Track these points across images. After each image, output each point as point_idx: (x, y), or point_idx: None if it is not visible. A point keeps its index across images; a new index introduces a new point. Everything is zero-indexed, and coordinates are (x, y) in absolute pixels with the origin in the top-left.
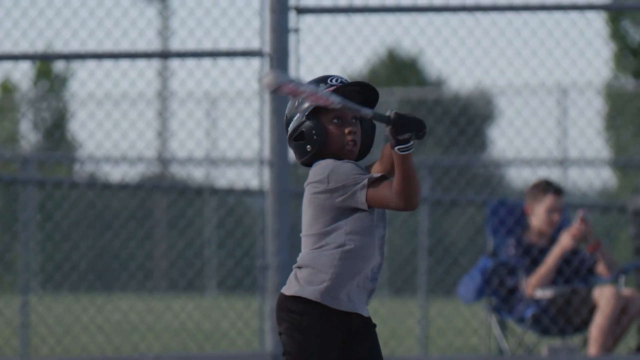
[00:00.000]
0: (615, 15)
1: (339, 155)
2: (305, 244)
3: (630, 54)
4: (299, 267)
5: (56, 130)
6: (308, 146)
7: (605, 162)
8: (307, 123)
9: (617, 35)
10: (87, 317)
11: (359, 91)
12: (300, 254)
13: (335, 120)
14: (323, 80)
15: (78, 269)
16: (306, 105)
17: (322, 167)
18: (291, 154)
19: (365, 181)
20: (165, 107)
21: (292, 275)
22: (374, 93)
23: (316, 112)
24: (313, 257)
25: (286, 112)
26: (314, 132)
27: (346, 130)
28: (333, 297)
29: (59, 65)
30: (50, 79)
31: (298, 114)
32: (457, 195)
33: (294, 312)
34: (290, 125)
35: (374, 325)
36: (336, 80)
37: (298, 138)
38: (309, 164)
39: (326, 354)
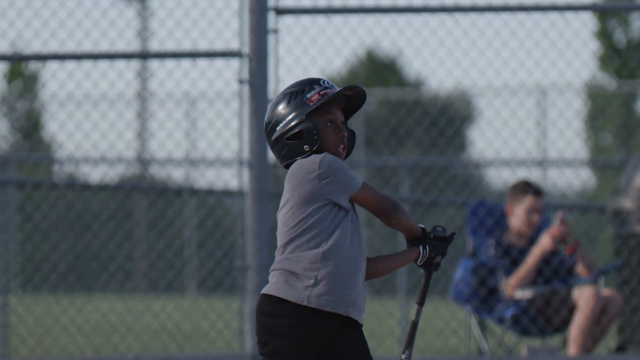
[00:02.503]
0: (602, 15)
1: None
2: (283, 246)
3: (615, 54)
4: (278, 270)
5: (34, 131)
6: (306, 146)
7: (584, 162)
8: (308, 123)
9: (604, 35)
10: (67, 317)
11: (348, 96)
12: (277, 259)
13: (328, 124)
14: (316, 82)
15: (58, 270)
16: (301, 107)
17: (313, 157)
18: (271, 155)
19: (360, 180)
20: (145, 108)
21: (271, 276)
22: (362, 100)
23: (311, 114)
24: (292, 261)
25: (271, 114)
26: (314, 132)
27: (340, 135)
28: (320, 299)
29: (32, 65)
30: (22, 77)
31: (293, 114)
32: (436, 196)
33: (266, 314)
34: (282, 124)
35: (360, 325)
36: (327, 83)
37: (293, 138)
38: (289, 165)
39: (298, 358)
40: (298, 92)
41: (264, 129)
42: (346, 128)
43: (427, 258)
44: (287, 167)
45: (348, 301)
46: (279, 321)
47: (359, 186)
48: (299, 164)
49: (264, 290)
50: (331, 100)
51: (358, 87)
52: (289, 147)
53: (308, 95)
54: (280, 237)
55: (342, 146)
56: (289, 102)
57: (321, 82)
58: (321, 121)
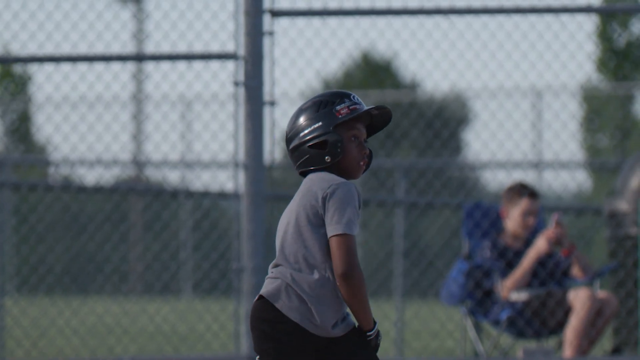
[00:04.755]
0: (604, 17)
1: (349, 171)
2: (287, 258)
3: (614, 57)
4: (278, 279)
5: (25, 133)
6: (328, 157)
7: (580, 164)
8: (334, 135)
9: (603, 36)
10: (63, 319)
11: (374, 114)
12: (281, 268)
13: (353, 138)
14: (346, 95)
15: (53, 272)
16: (329, 118)
17: (333, 177)
18: (266, 157)
19: (355, 230)
20: (140, 110)
21: (270, 282)
22: (387, 121)
23: (337, 127)
24: (294, 278)
25: (296, 119)
26: (339, 144)
27: (363, 151)
28: (313, 323)
29: (26, 67)
30: (13, 78)
31: (320, 123)
32: (432, 198)
33: (265, 321)
34: (307, 131)
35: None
36: (357, 99)
37: (316, 146)
38: (305, 173)
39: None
40: (327, 103)
41: (286, 132)
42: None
43: (374, 336)
44: (303, 174)
45: (327, 328)
46: (279, 327)
47: (347, 232)
48: (319, 176)
49: (263, 293)
50: (358, 117)
51: (386, 109)
52: (311, 155)
53: (337, 108)
54: (283, 244)
55: (362, 162)
56: (317, 111)
57: (351, 96)
58: (346, 135)
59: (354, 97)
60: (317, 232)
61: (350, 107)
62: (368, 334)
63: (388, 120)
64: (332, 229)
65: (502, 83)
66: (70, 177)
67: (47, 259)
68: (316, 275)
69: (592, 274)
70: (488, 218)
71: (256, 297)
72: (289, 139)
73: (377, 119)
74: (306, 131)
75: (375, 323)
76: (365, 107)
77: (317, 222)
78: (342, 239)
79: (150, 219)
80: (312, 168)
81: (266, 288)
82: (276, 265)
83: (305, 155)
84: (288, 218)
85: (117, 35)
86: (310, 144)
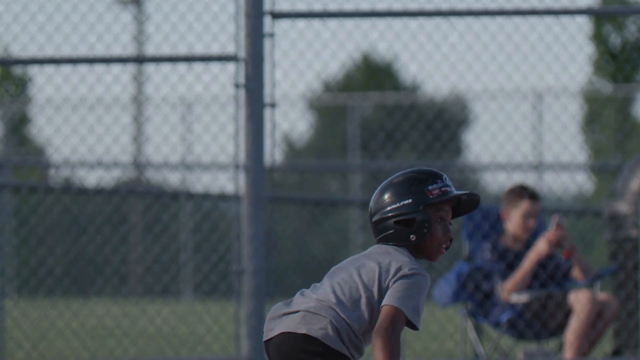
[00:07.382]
0: (597, 18)
1: (429, 252)
2: (341, 300)
3: (610, 59)
4: (326, 319)
5: (27, 134)
6: (413, 236)
7: (580, 166)
8: (423, 215)
9: (599, 39)
10: (63, 322)
11: (464, 200)
12: (330, 309)
13: (439, 220)
14: (439, 176)
15: (53, 274)
16: (420, 196)
17: (412, 262)
18: (267, 159)
19: (417, 320)
20: (141, 112)
21: (315, 319)
22: (473, 207)
23: (426, 206)
24: (342, 323)
25: (385, 192)
26: (427, 225)
27: (447, 234)
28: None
29: (26, 69)
30: (13, 81)
31: (410, 200)
32: None
33: (312, 353)
34: (396, 206)
35: None
36: (448, 181)
37: (402, 223)
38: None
39: None
40: (420, 181)
41: (374, 200)
42: None
43: None
44: (382, 244)
45: None
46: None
47: (403, 310)
48: (406, 254)
49: (309, 332)
50: (447, 199)
51: (476, 196)
52: (395, 231)
53: (430, 187)
54: (344, 290)
55: (445, 245)
56: (409, 188)
57: (443, 177)
58: (434, 216)
59: (445, 178)
60: (377, 297)
61: (442, 189)
62: None
63: (475, 206)
64: (392, 299)
65: (502, 85)
66: (70, 179)
67: (47, 261)
68: (357, 330)
69: (592, 276)
70: (488, 220)
71: (298, 330)
72: (374, 211)
73: (463, 204)
74: (394, 206)
75: None
76: (456, 192)
77: (383, 289)
78: (397, 310)
79: (151, 221)
80: (391, 243)
81: (313, 326)
82: (324, 302)
83: (389, 230)
84: (364, 273)
85: (117, 37)
86: (396, 219)
